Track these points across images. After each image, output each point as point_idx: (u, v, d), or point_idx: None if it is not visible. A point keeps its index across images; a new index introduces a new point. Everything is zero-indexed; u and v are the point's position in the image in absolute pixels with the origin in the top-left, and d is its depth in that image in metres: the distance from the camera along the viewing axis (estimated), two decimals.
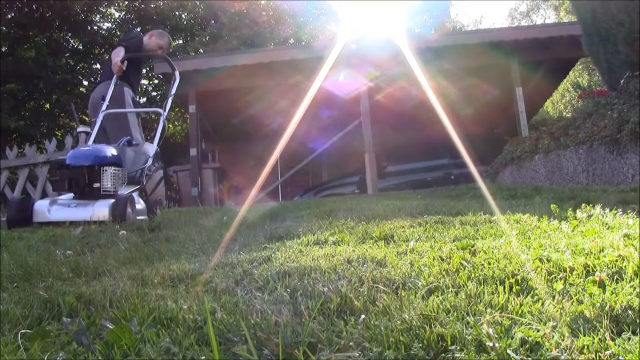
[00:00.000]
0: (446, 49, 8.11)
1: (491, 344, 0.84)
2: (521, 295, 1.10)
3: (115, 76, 4.31)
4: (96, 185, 3.29)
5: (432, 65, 7.63)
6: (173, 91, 4.48)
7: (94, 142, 3.93)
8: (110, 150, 3.49)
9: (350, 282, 1.25)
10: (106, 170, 3.34)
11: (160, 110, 4.27)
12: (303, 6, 15.39)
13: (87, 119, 13.16)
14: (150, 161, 3.87)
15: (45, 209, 3.20)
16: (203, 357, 0.86)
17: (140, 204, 3.58)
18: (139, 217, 3.40)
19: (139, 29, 13.97)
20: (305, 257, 1.59)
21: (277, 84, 8.60)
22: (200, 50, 12.82)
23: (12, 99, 10.66)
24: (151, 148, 4.00)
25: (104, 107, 4.14)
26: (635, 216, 1.91)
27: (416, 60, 6.60)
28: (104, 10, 13.65)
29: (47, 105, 12.54)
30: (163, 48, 4.94)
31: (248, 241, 2.08)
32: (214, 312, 1.08)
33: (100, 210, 3.12)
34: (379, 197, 5.36)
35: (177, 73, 4.54)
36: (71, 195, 3.37)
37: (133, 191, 3.48)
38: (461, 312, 1.01)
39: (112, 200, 3.19)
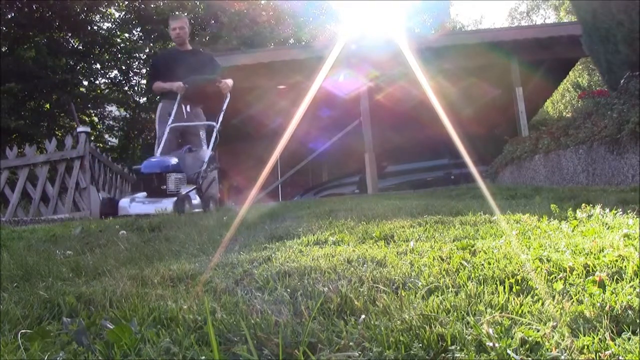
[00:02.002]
0: (446, 49, 8.11)
1: (491, 344, 0.84)
2: (521, 295, 1.10)
3: (179, 95, 4.97)
4: (163, 187, 4.17)
5: (432, 65, 7.62)
6: (224, 106, 4.97)
7: (162, 152, 4.80)
8: (173, 160, 4.36)
9: (350, 282, 1.25)
10: (170, 176, 4.21)
11: (214, 124, 4.92)
12: (303, 6, 15.38)
13: (87, 119, 13.19)
14: (205, 165, 4.61)
15: (127, 205, 4.08)
16: (203, 357, 0.86)
17: (196, 200, 4.40)
18: (195, 210, 4.15)
19: (139, 29, 13.98)
20: (305, 257, 1.59)
21: (277, 84, 8.60)
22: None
23: (12, 99, 10.64)
24: (206, 154, 4.74)
25: (170, 121, 4.92)
26: (635, 216, 1.91)
27: (416, 60, 6.60)
28: (104, 10, 13.63)
29: (47, 105, 12.53)
30: (174, 27, 5.15)
31: (248, 241, 2.08)
32: (214, 312, 1.08)
33: (166, 206, 3.94)
34: (379, 197, 5.36)
35: (228, 94, 5.02)
36: (145, 194, 4.24)
37: (190, 191, 4.30)
38: (461, 312, 1.01)
39: (174, 199, 4.00)
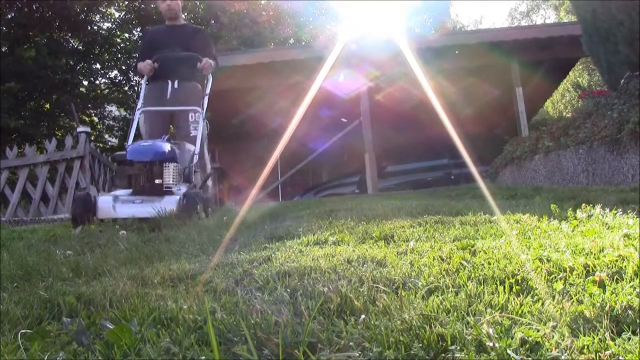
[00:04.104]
0: (446, 49, 8.11)
1: (491, 344, 0.84)
2: (521, 295, 1.10)
3: (145, 76, 4.25)
4: (158, 181, 3.27)
5: (432, 65, 7.63)
6: (208, 90, 4.28)
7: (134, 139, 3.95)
8: (167, 146, 3.42)
9: (350, 282, 1.25)
10: (168, 166, 3.31)
11: (198, 109, 4.12)
12: (303, 6, 15.38)
13: (87, 119, 13.19)
14: (196, 158, 3.78)
15: (110, 205, 3.15)
16: (203, 357, 0.86)
17: None
18: (200, 213, 3.30)
19: (139, 29, 13.98)
20: (305, 257, 1.59)
21: (277, 84, 8.60)
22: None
23: (12, 99, 10.65)
24: (193, 146, 3.89)
25: (139, 104, 4.12)
26: (635, 216, 1.91)
27: (416, 60, 6.60)
28: (104, 10, 13.64)
29: (47, 105, 12.53)
30: (169, 4, 4.42)
31: (248, 241, 2.08)
32: (214, 312, 1.08)
33: (166, 206, 3.08)
34: (379, 197, 5.36)
35: (210, 76, 4.34)
36: (129, 190, 3.33)
37: (191, 187, 3.42)
38: (461, 312, 1.01)
39: (175, 197, 3.15)
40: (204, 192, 3.84)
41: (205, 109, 4.14)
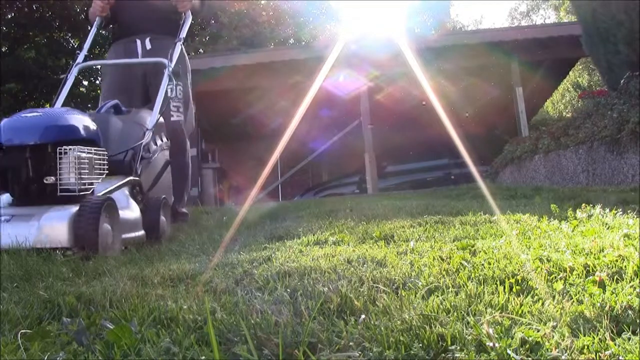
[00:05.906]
0: (446, 49, 8.12)
1: (491, 344, 0.84)
2: (521, 295, 1.10)
3: (97, 20, 3.14)
4: (48, 179, 1.90)
5: (432, 65, 7.64)
6: (183, 34, 3.05)
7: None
8: (78, 117, 2.06)
9: (350, 282, 1.25)
10: (66, 152, 1.90)
11: (165, 61, 2.81)
12: (303, 6, 15.41)
13: None
14: (148, 136, 2.44)
15: None
16: (203, 357, 0.86)
17: (130, 210, 2.16)
18: (129, 236, 2.09)
19: None
20: (305, 257, 1.59)
21: (277, 84, 8.61)
22: (200, 50, 12.82)
23: (12, 99, 10.67)
24: (150, 117, 2.58)
25: (80, 58, 2.91)
26: (635, 216, 1.91)
27: (416, 60, 6.61)
28: None
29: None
30: None
31: (248, 241, 2.08)
32: (214, 312, 1.08)
33: (52, 226, 1.80)
34: (379, 197, 5.36)
35: (189, 12, 3.15)
36: (7, 196, 2.01)
37: (116, 188, 2.09)
38: (461, 312, 1.01)
39: (74, 209, 1.82)
40: (158, 189, 2.59)
41: (174, 62, 2.88)
